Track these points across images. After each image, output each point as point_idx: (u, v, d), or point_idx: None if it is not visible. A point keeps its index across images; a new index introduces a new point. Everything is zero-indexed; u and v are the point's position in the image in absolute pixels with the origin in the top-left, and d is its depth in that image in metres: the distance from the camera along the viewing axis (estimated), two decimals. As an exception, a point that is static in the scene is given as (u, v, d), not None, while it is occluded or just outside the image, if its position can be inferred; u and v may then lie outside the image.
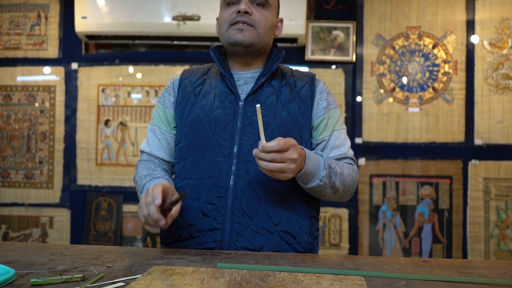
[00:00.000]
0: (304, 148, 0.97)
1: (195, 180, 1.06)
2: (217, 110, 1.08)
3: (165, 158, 1.17)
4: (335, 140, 1.13)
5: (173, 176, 1.17)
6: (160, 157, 1.16)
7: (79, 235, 2.57)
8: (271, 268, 0.79)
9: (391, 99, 2.50)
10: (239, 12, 1.05)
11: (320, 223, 2.50)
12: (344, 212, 2.52)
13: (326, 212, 2.51)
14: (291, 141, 0.91)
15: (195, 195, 1.05)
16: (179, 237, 1.06)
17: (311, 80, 1.15)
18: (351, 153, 1.16)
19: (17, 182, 2.61)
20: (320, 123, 1.12)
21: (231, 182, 1.03)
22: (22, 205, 2.61)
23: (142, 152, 1.20)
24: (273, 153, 0.88)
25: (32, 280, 0.70)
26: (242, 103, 1.08)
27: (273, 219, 1.03)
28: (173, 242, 1.07)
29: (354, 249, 2.51)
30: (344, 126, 1.18)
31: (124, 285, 0.69)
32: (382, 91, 2.50)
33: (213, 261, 0.87)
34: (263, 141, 0.90)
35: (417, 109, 2.48)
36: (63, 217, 2.59)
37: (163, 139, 1.17)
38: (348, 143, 1.17)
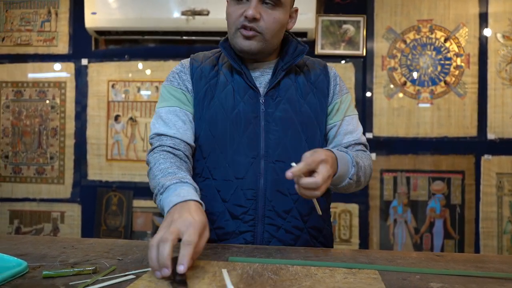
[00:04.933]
0: (332, 150, 0.92)
1: (220, 181, 1.02)
2: (239, 106, 1.03)
3: (191, 143, 1.04)
4: (347, 125, 1.10)
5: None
6: (187, 141, 1.02)
7: (90, 230, 2.59)
8: (284, 262, 0.78)
9: (401, 94, 2.47)
10: (246, 17, 0.96)
11: (331, 218, 2.48)
12: (354, 208, 2.50)
13: (336, 207, 2.49)
14: (318, 156, 0.84)
15: (221, 196, 1.02)
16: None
17: (324, 69, 1.12)
18: (364, 139, 1.12)
19: (28, 178, 2.64)
20: (332, 108, 1.10)
21: (261, 184, 1.00)
22: (34, 200, 2.63)
23: (159, 135, 1.02)
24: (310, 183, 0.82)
25: (44, 272, 0.70)
26: (263, 99, 1.03)
27: (304, 217, 1.03)
28: None
29: (364, 244, 2.49)
30: (356, 112, 1.14)
31: (135, 278, 0.69)
32: (392, 86, 2.47)
33: (224, 254, 0.86)
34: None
35: (428, 104, 2.45)
36: (74, 212, 2.61)
37: (188, 122, 1.04)
38: (361, 129, 1.13)
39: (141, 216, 2.58)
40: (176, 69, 1.11)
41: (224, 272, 0.69)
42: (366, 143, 1.13)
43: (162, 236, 0.68)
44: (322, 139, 1.08)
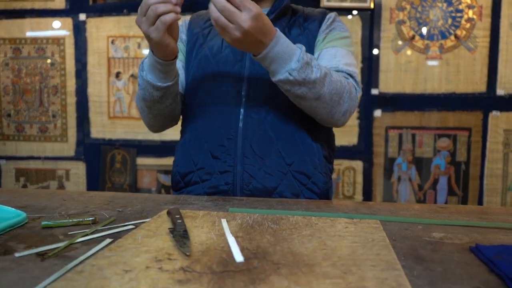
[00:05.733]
0: (279, 31, 0.86)
1: (203, 121, 1.04)
2: (226, 50, 1.04)
3: (180, 89, 1.07)
4: (328, 54, 1.01)
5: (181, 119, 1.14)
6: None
7: (95, 187, 2.62)
8: (285, 213, 0.77)
9: (410, 48, 2.39)
10: None
11: (334, 175, 2.48)
12: (358, 165, 2.49)
13: (340, 164, 2.49)
14: (254, 6, 0.77)
15: (204, 136, 1.03)
16: (189, 181, 1.04)
17: (323, 14, 1.08)
18: (349, 69, 0.99)
19: (32, 136, 2.64)
20: (316, 43, 1.04)
21: (240, 123, 1.00)
22: (38, 158, 2.64)
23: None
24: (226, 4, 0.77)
25: (43, 222, 0.70)
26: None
27: (286, 159, 1.00)
28: (183, 187, 1.06)
29: (367, 201, 2.51)
30: (349, 49, 1.04)
31: (134, 228, 0.68)
32: (400, 40, 2.39)
33: (225, 206, 0.85)
34: None
35: (437, 59, 2.38)
36: (78, 170, 2.63)
37: (180, 68, 1.09)
38: (348, 61, 1.01)
39: (146, 173, 2.60)
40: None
41: (224, 221, 0.68)
42: (353, 74, 1.00)
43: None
44: None
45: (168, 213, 0.73)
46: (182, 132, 1.12)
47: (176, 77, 0.97)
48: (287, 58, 0.85)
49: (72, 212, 0.80)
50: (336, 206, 0.88)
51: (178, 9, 0.81)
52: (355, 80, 1.00)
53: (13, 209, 0.75)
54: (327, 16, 1.08)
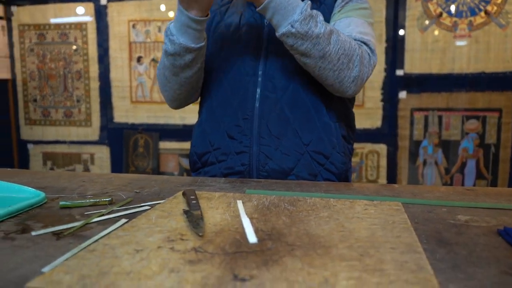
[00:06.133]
0: None
1: (219, 100, 1.02)
2: (243, 28, 1.02)
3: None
4: (341, 24, 0.96)
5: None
6: None
7: (119, 171, 2.66)
8: (302, 194, 0.76)
9: (437, 27, 2.30)
10: None
11: (357, 159, 2.44)
12: (382, 148, 2.43)
13: (363, 148, 2.44)
14: None
15: (220, 116, 1.01)
16: (206, 161, 1.04)
17: None
18: (363, 37, 0.94)
19: (57, 121, 2.69)
20: (333, 15, 1.00)
21: (257, 103, 0.98)
22: (64, 142, 2.70)
23: None
24: None
25: (61, 202, 0.71)
26: (268, 21, 1.00)
27: (303, 139, 0.97)
28: (201, 167, 1.06)
29: (391, 185, 2.46)
30: (366, 19, 0.99)
31: (149, 209, 0.68)
32: (426, 18, 2.29)
33: (242, 188, 0.84)
34: None
35: (466, 37, 2.28)
36: (103, 154, 2.67)
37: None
38: (363, 30, 0.96)
39: (168, 157, 2.62)
40: None
41: (239, 202, 0.67)
42: (368, 42, 0.94)
43: None
44: None
45: (184, 194, 0.72)
46: (199, 112, 1.11)
47: (206, 38, 0.95)
48: (290, 10, 0.84)
49: (90, 193, 0.81)
50: (357, 189, 0.85)
51: None
52: (370, 48, 0.95)
53: (33, 189, 0.76)
54: None
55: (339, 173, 0.99)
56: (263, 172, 0.97)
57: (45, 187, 0.85)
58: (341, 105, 1.02)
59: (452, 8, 2.26)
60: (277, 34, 0.87)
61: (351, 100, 1.08)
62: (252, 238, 0.51)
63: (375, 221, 0.59)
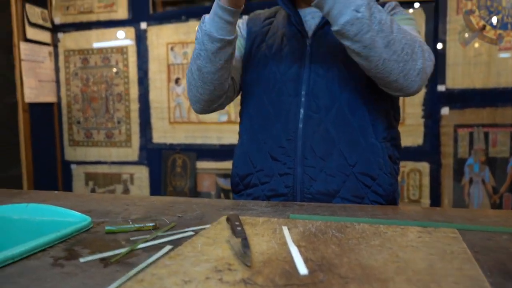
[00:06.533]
0: None
1: (261, 121, 1.01)
2: (285, 49, 1.01)
3: (233, 76, 1.05)
4: None
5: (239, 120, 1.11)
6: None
7: (157, 191, 2.69)
8: (349, 220, 0.73)
9: (480, 40, 2.22)
10: None
11: (399, 178, 2.36)
12: (424, 167, 2.35)
13: (405, 166, 2.36)
14: None
15: (263, 137, 1.00)
16: (248, 183, 1.02)
17: (381, 4, 1.01)
18: (418, 37, 0.90)
19: (99, 142, 2.77)
20: None
21: (300, 124, 0.96)
22: (105, 163, 2.77)
23: None
24: None
25: (106, 228, 0.71)
26: (310, 40, 0.99)
27: (348, 160, 0.94)
28: (243, 189, 1.04)
29: (436, 205, 2.35)
30: (414, 27, 0.96)
31: (194, 234, 0.67)
32: (468, 32, 2.22)
33: (285, 212, 0.82)
34: None
35: (511, 49, 2.18)
36: (142, 174, 2.72)
37: (235, 61, 1.03)
38: (415, 33, 0.92)
39: (204, 177, 2.63)
40: None
41: (285, 229, 0.65)
42: (422, 41, 0.89)
43: None
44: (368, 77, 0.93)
45: (228, 219, 0.71)
46: (240, 133, 1.11)
47: (235, 36, 0.92)
48: None
49: (134, 216, 0.81)
50: (405, 212, 0.82)
51: None
52: (425, 47, 0.89)
53: (80, 213, 0.77)
54: (387, 5, 1.01)
55: (386, 195, 0.95)
56: (308, 194, 0.95)
57: (90, 211, 0.86)
58: (386, 124, 0.98)
59: (494, 19, 2.18)
60: (336, 27, 0.81)
61: (397, 118, 1.05)
62: (302, 269, 0.49)
63: (432, 250, 0.55)
